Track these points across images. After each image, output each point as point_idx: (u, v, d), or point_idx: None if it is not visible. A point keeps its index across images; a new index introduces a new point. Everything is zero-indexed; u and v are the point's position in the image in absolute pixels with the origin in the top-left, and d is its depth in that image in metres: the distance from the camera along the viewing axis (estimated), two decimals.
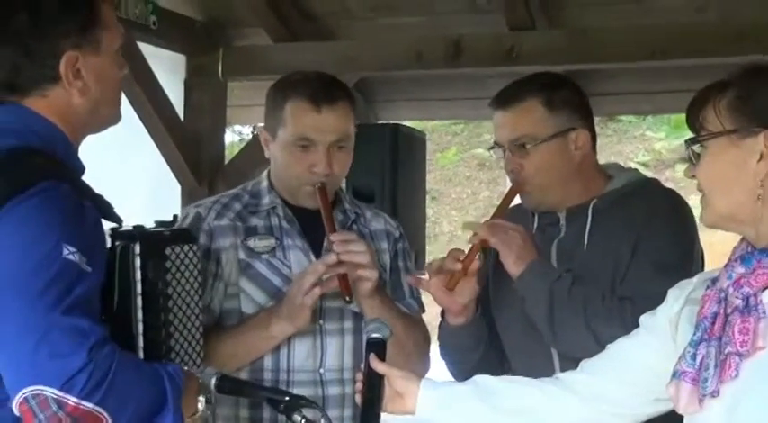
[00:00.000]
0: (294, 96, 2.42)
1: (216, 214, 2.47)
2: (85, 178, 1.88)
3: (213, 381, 1.91)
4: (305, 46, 4.72)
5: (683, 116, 1.78)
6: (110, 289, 1.84)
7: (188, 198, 4.81)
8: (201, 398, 1.89)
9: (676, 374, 1.70)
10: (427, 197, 5.24)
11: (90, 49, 1.85)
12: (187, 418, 1.84)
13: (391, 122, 4.91)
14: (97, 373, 1.63)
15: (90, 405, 1.64)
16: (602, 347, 2.06)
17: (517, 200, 2.50)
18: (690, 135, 1.75)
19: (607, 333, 2.16)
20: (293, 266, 2.43)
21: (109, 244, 1.87)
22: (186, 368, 1.93)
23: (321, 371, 2.42)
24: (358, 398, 1.94)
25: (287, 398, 1.93)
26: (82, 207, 1.75)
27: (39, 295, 1.64)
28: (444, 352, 2.55)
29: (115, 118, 1.99)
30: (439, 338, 2.54)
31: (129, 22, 4.19)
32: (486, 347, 2.50)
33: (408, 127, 4.97)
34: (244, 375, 2.38)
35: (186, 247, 1.98)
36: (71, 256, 1.66)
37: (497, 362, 2.52)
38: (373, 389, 1.90)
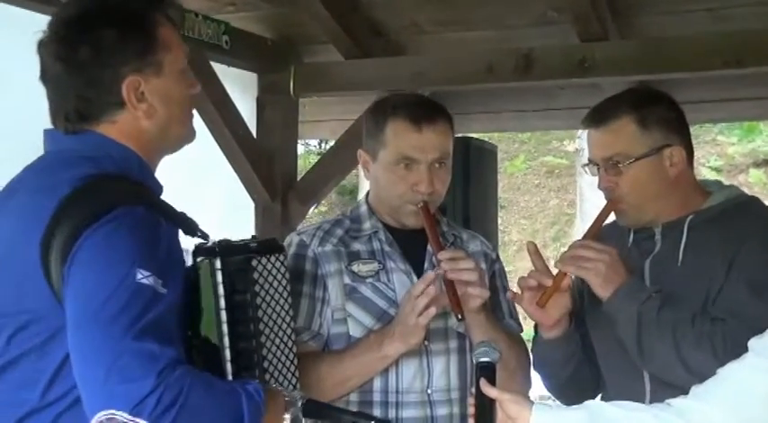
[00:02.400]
0: (394, 117, 2.46)
1: (319, 241, 2.50)
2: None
3: (299, 405, 1.90)
4: (376, 62, 4.73)
5: None
6: (197, 305, 1.88)
7: (261, 214, 4.87)
8: (287, 416, 1.88)
9: None
10: None
11: (152, 72, 1.89)
12: None
13: (462, 135, 4.91)
14: (167, 395, 1.66)
15: None
16: (690, 371, 2.02)
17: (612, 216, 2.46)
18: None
19: (696, 356, 2.14)
20: (397, 289, 2.45)
21: (191, 261, 1.90)
22: (274, 385, 1.93)
23: (429, 391, 2.44)
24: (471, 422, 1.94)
25: (372, 422, 1.93)
26: (157, 228, 1.79)
27: (112, 321, 1.68)
28: (538, 365, 2.55)
29: (188, 136, 2.03)
30: (533, 352, 2.55)
31: (202, 43, 4.26)
32: (578, 362, 2.48)
33: (479, 139, 4.96)
34: (353, 398, 2.40)
35: (273, 258, 2.01)
36: (145, 280, 1.70)
37: (591, 377, 2.51)
38: (485, 413, 1.90)
